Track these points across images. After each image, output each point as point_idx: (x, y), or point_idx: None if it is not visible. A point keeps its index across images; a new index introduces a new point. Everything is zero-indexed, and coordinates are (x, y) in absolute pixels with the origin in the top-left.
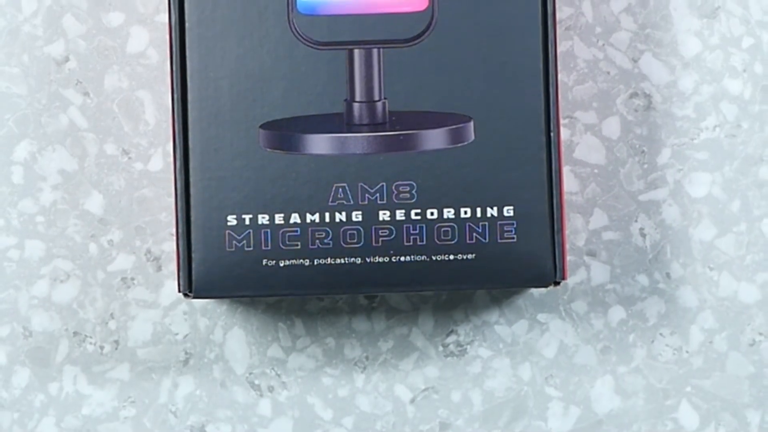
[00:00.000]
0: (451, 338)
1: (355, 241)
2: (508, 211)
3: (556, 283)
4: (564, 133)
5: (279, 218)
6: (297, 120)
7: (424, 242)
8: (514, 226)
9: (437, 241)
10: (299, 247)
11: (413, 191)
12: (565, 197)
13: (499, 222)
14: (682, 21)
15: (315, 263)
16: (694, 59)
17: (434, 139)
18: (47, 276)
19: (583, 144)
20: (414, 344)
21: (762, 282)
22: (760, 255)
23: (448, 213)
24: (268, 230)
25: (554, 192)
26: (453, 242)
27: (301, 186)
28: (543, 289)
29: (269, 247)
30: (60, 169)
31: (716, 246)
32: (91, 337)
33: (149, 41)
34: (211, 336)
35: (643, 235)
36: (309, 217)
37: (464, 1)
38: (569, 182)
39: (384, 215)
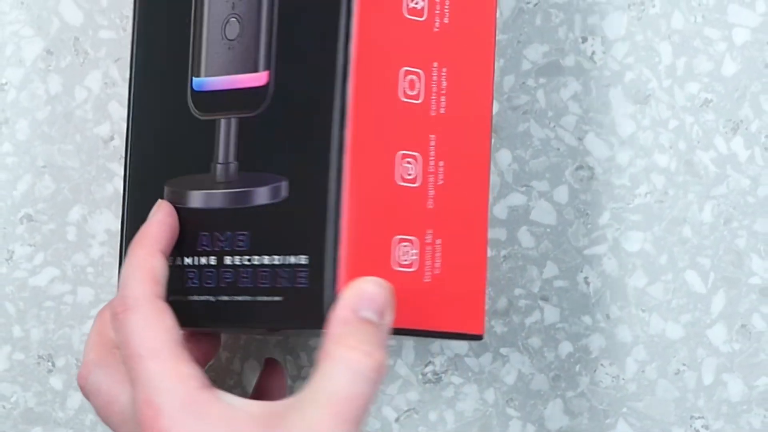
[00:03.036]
0: (429, 368)
1: (210, 282)
2: (304, 259)
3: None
4: (521, 199)
5: (170, 261)
6: (193, 178)
7: (252, 285)
8: (307, 273)
9: (258, 285)
10: (179, 285)
11: (246, 240)
12: (522, 252)
13: (296, 269)
14: (620, 106)
15: (187, 299)
16: (629, 138)
17: (252, 196)
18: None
19: (538, 208)
20: (398, 373)
21: (685, 322)
22: (683, 300)
23: (266, 260)
24: (171, 271)
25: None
26: (268, 286)
27: (184, 234)
28: (505, 328)
29: (173, 286)
30: (106, 229)
31: (647, 292)
32: None
33: None
34: (230, 366)
35: (587, 283)
36: (186, 260)
37: (292, 75)
38: (526, 239)
39: (227, 260)
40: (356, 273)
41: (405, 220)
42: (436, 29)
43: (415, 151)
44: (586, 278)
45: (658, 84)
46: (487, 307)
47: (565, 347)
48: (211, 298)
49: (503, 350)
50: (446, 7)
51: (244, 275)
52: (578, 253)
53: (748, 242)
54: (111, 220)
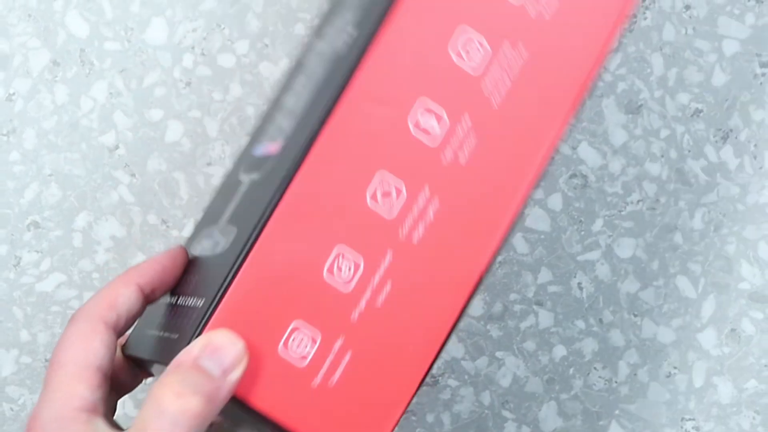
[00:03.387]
0: None
1: (165, 319)
2: (201, 302)
3: None
4: None
5: (165, 299)
6: (206, 229)
7: (175, 322)
8: (195, 315)
9: (176, 322)
10: (162, 321)
11: (194, 283)
12: (517, 258)
13: (193, 310)
14: (612, 116)
15: (154, 333)
16: (622, 147)
17: (216, 246)
18: None
19: (533, 215)
20: None
21: (676, 326)
22: (674, 305)
23: (189, 300)
24: (159, 307)
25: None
26: (178, 323)
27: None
28: (500, 332)
29: (154, 320)
30: (111, 235)
31: (639, 297)
32: None
33: (183, 132)
34: None
35: (581, 288)
36: (169, 299)
37: None
38: (521, 245)
39: (180, 300)
40: (225, 327)
41: (314, 314)
42: (445, 163)
43: (358, 252)
44: (579, 284)
45: (650, 94)
46: (483, 312)
47: (559, 351)
48: (158, 333)
49: (499, 354)
50: (467, 145)
51: (180, 313)
52: (572, 259)
53: (737, 248)
54: (116, 227)
